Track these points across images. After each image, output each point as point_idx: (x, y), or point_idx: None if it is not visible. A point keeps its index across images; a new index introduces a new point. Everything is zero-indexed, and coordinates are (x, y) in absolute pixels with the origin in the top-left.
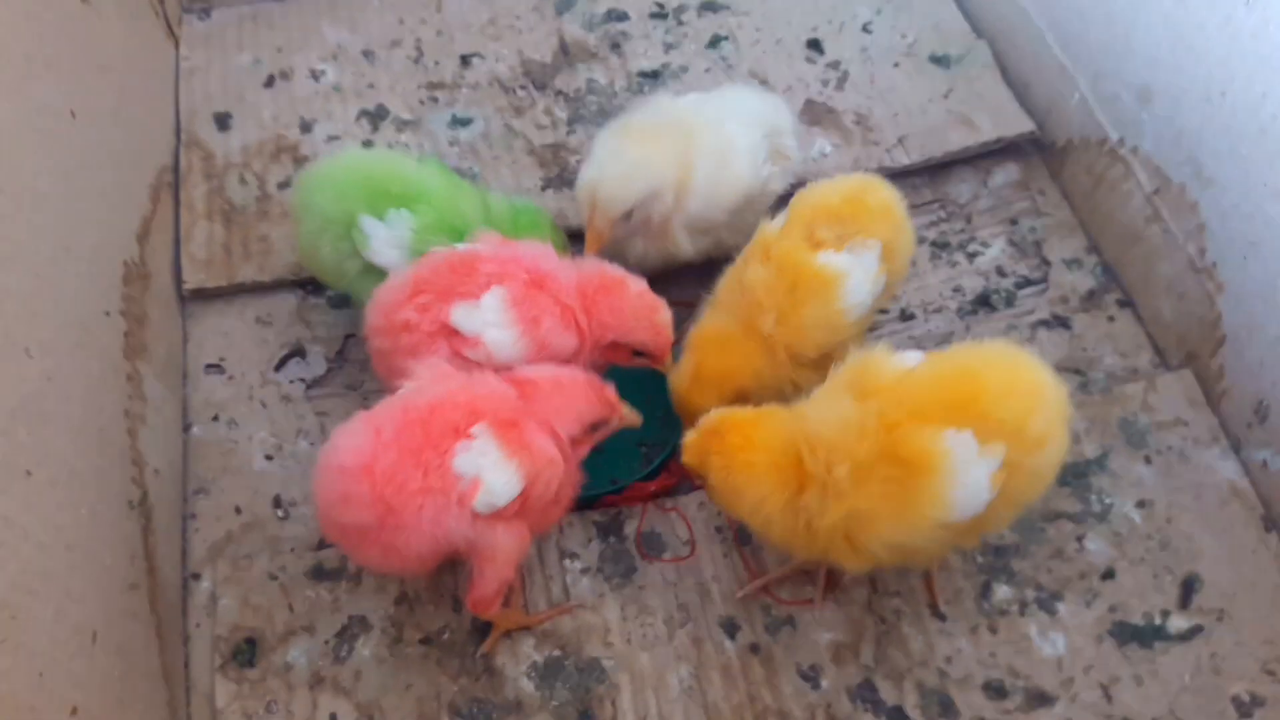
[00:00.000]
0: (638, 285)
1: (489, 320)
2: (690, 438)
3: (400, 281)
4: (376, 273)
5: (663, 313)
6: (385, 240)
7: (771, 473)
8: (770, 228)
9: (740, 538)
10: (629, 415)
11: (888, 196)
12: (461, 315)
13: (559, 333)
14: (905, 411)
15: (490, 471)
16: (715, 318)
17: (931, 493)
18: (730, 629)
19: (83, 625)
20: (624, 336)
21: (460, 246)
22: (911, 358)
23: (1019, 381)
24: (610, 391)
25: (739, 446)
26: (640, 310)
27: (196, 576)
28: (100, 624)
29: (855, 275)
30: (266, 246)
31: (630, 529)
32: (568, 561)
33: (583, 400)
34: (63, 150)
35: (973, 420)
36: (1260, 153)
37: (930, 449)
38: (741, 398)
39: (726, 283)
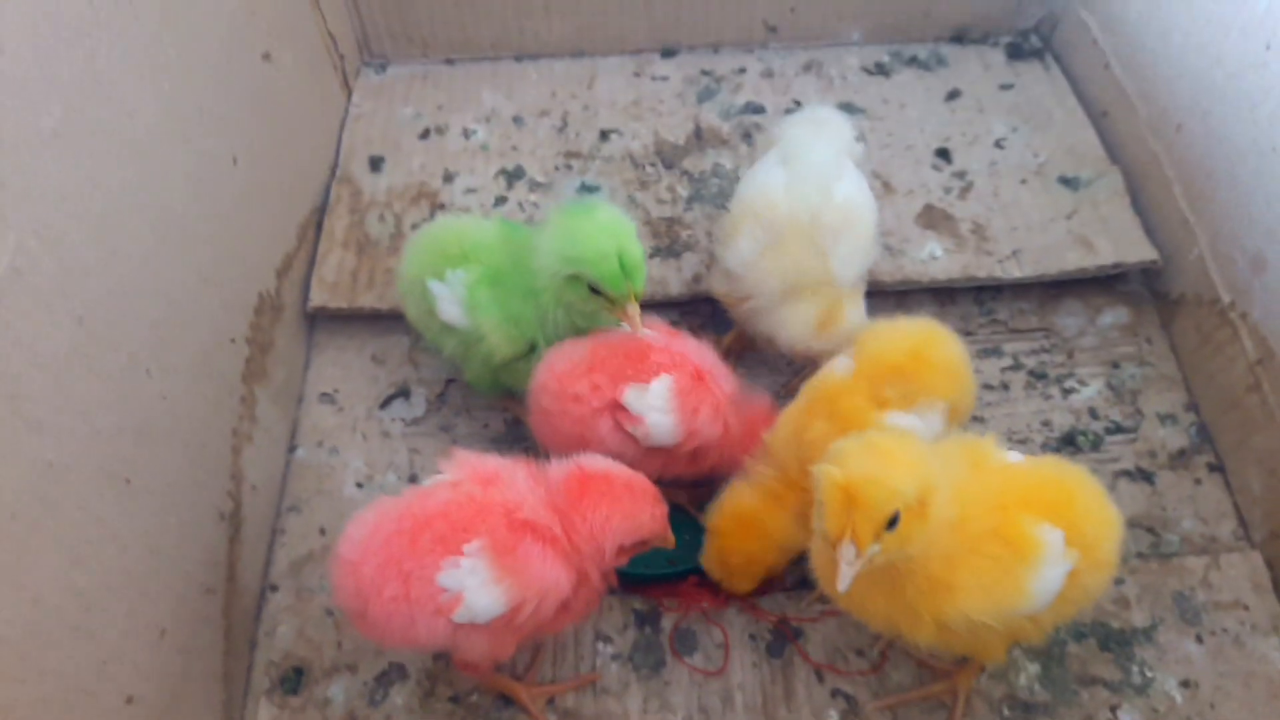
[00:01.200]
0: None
1: (654, 405)
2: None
3: (580, 355)
4: (450, 329)
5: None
6: (447, 299)
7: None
8: (835, 375)
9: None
10: (670, 538)
11: (953, 352)
12: (632, 396)
13: (710, 423)
14: (1016, 496)
15: (475, 592)
16: (743, 491)
17: (1021, 578)
18: None
19: (153, 622)
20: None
21: (633, 331)
22: (1015, 456)
23: (1102, 506)
24: (664, 512)
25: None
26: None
27: (275, 588)
28: (170, 623)
29: (922, 436)
30: (390, 279)
31: (667, 622)
32: (601, 644)
33: (647, 516)
34: (220, 194)
35: (1063, 523)
36: None
37: (1034, 536)
38: (773, 567)
39: (781, 433)
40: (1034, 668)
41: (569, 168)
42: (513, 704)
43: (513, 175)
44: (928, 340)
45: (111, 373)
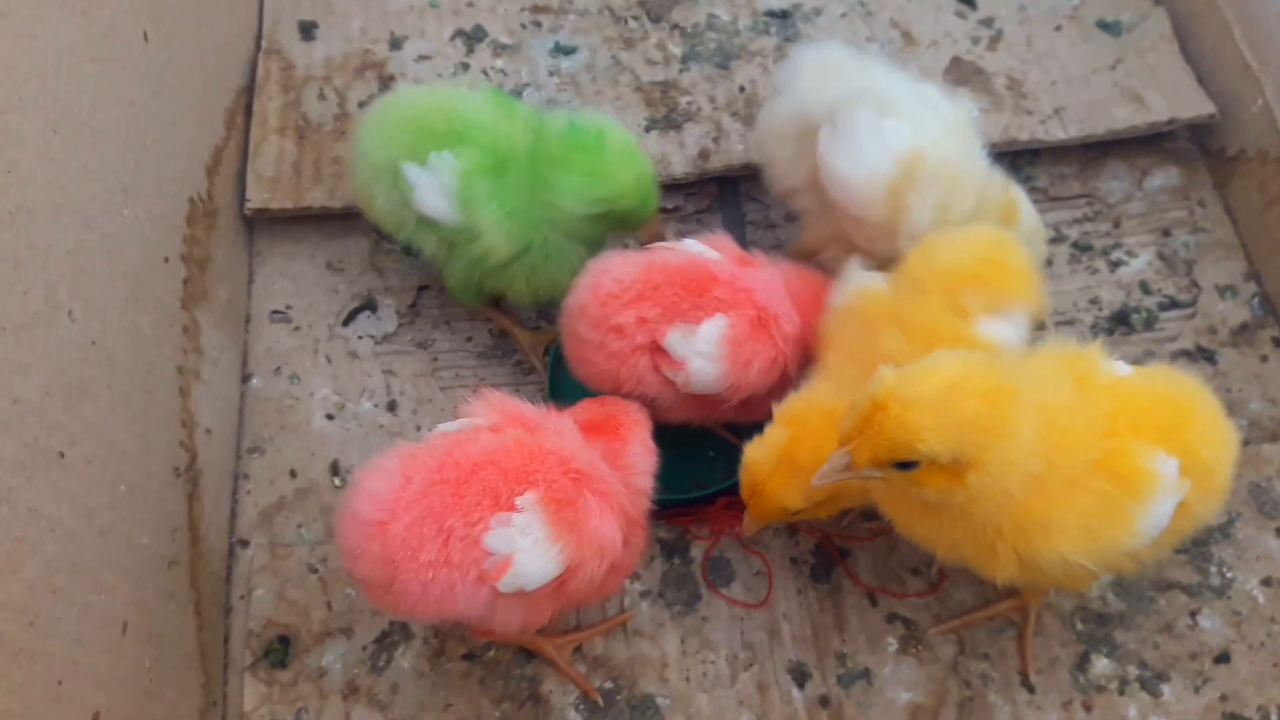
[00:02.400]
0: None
1: (700, 350)
2: (929, 418)
3: (631, 276)
4: (431, 224)
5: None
6: (430, 188)
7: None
8: (875, 291)
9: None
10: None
11: (1025, 256)
12: (676, 340)
13: (763, 376)
14: (1127, 421)
15: (527, 553)
16: (826, 388)
17: (1130, 515)
18: (800, 676)
19: (111, 618)
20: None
21: (704, 253)
22: (1124, 368)
23: (1220, 426)
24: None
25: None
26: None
27: (244, 543)
28: (132, 613)
29: (1015, 345)
30: (339, 170)
31: (697, 551)
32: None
33: (647, 435)
34: (130, 78)
35: (1179, 449)
36: None
37: (1147, 469)
38: (829, 502)
39: (840, 351)
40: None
41: (537, 25)
42: (536, 658)
43: (472, 37)
44: (1000, 245)
45: (24, 322)
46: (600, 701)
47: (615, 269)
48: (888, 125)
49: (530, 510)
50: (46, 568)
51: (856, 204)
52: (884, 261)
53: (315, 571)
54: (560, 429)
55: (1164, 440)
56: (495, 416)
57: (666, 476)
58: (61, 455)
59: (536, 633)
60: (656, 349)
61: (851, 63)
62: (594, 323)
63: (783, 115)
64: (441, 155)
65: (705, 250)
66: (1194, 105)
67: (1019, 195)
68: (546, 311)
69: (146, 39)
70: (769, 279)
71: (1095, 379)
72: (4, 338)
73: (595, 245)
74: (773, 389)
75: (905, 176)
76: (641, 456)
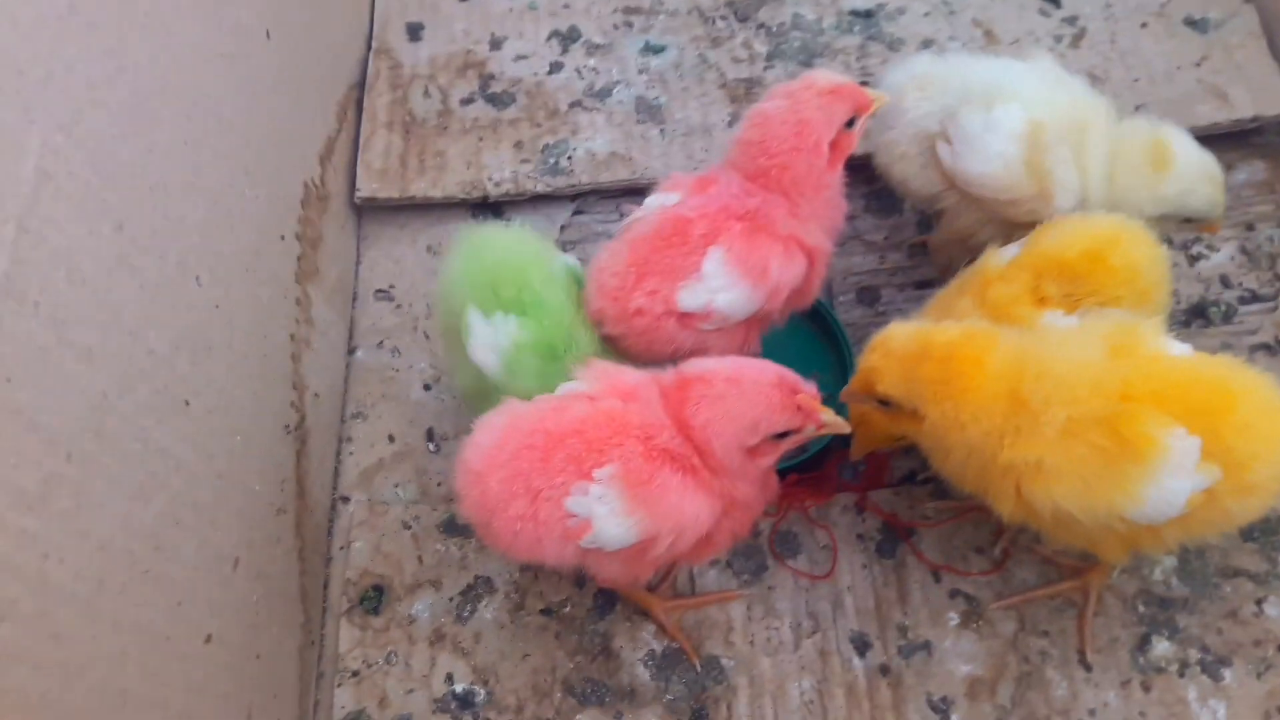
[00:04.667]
0: (775, 96)
1: (715, 287)
2: (873, 362)
3: (621, 262)
4: (474, 366)
5: (818, 78)
6: (485, 343)
7: (997, 403)
8: (995, 260)
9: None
10: (830, 421)
11: (1140, 255)
12: (688, 296)
13: (788, 269)
14: (1149, 390)
15: (604, 520)
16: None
17: (1130, 479)
18: (861, 646)
19: (225, 553)
20: (829, 129)
21: (665, 202)
22: (1180, 348)
23: (1267, 422)
24: (808, 394)
25: (967, 376)
26: (804, 103)
27: (345, 500)
28: (243, 550)
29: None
30: (442, 162)
31: (766, 525)
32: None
33: (764, 407)
34: (254, 73)
35: (1206, 432)
36: None
37: (1154, 437)
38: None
39: (933, 309)
40: (1170, 561)
41: (629, 26)
42: (610, 613)
43: (567, 38)
44: (1112, 240)
45: (159, 284)
46: (699, 665)
47: (607, 264)
48: (996, 114)
49: (606, 482)
50: (171, 501)
51: (1003, 191)
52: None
53: (409, 528)
54: (652, 398)
55: (1189, 419)
56: (596, 385)
57: None
58: (187, 404)
59: (652, 593)
60: (680, 314)
61: (940, 69)
62: (615, 319)
63: (899, 141)
64: (506, 317)
65: (665, 199)
66: (1278, 101)
67: (1173, 137)
68: None
69: (269, 37)
70: (730, 183)
71: (1135, 349)
72: (142, 295)
73: None
74: (820, 266)
75: (1033, 147)
76: (714, 430)
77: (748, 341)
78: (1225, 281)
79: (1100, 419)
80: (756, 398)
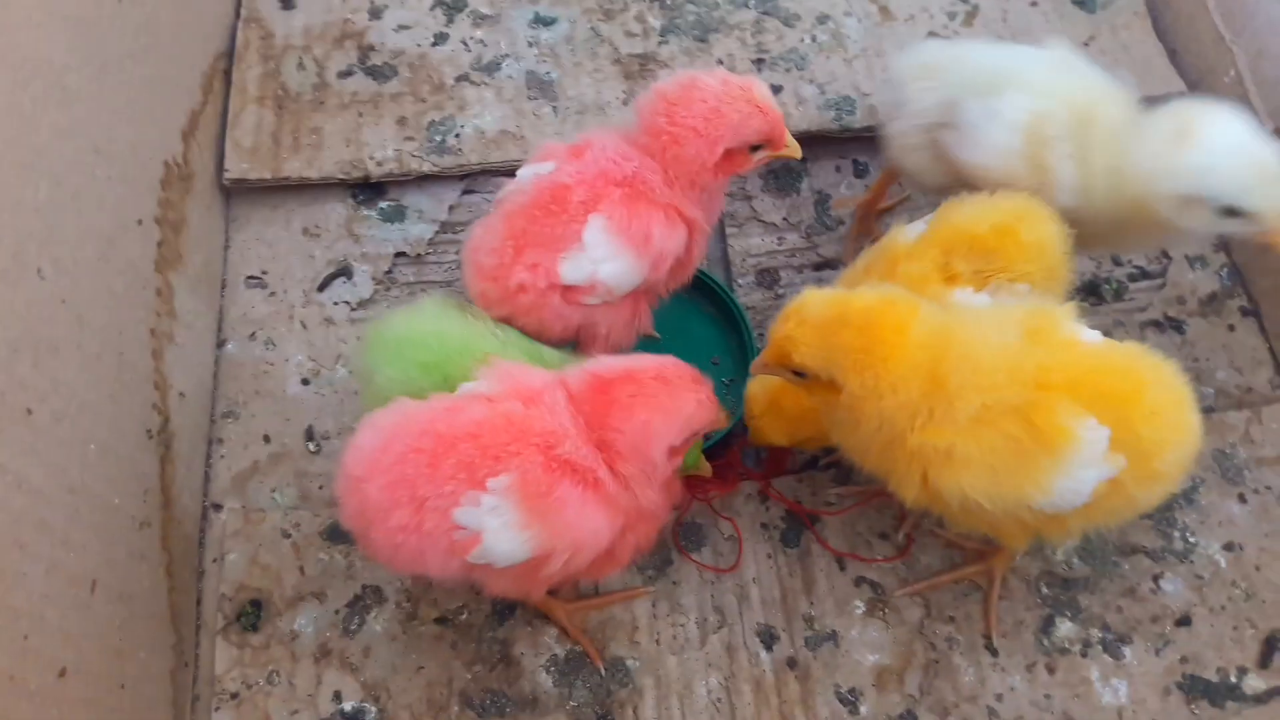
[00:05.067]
0: (714, 76)
1: (598, 257)
2: (786, 330)
3: (497, 237)
4: None
5: (758, 89)
6: None
7: (914, 381)
8: (902, 237)
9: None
10: (722, 417)
11: (1047, 231)
12: (570, 268)
13: (670, 237)
14: (1064, 379)
15: (495, 535)
16: None
17: (1040, 470)
18: (768, 639)
19: (80, 576)
20: (734, 138)
21: (540, 171)
22: (1091, 335)
23: (1173, 410)
24: (709, 389)
25: (887, 345)
26: (731, 99)
27: (218, 508)
28: (102, 571)
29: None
30: (318, 140)
31: (670, 517)
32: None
33: (694, 404)
34: (102, 39)
35: (1115, 421)
36: None
37: (1067, 427)
38: (814, 438)
39: (842, 284)
40: (1071, 541)
41: None
42: (510, 618)
43: (452, 7)
44: (1020, 216)
45: None
46: (604, 668)
47: (483, 242)
48: (1000, 103)
49: (500, 493)
50: (13, 523)
51: (1000, 182)
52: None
53: (288, 536)
54: (556, 402)
55: (1099, 408)
56: (497, 386)
57: None
58: (29, 412)
59: (553, 596)
60: (565, 287)
61: (946, 55)
62: (499, 299)
63: (907, 132)
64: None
65: (539, 168)
66: (1163, 82)
67: (1208, 113)
68: None
69: (119, 0)
70: (605, 147)
71: (1050, 335)
72: None
73: None
74: (698, 236)
75: (1034, 141)
76: (653, 430)
77: (636, 316)
78: (1116, 259)
79: (1014, 408)
80: (686, 395)
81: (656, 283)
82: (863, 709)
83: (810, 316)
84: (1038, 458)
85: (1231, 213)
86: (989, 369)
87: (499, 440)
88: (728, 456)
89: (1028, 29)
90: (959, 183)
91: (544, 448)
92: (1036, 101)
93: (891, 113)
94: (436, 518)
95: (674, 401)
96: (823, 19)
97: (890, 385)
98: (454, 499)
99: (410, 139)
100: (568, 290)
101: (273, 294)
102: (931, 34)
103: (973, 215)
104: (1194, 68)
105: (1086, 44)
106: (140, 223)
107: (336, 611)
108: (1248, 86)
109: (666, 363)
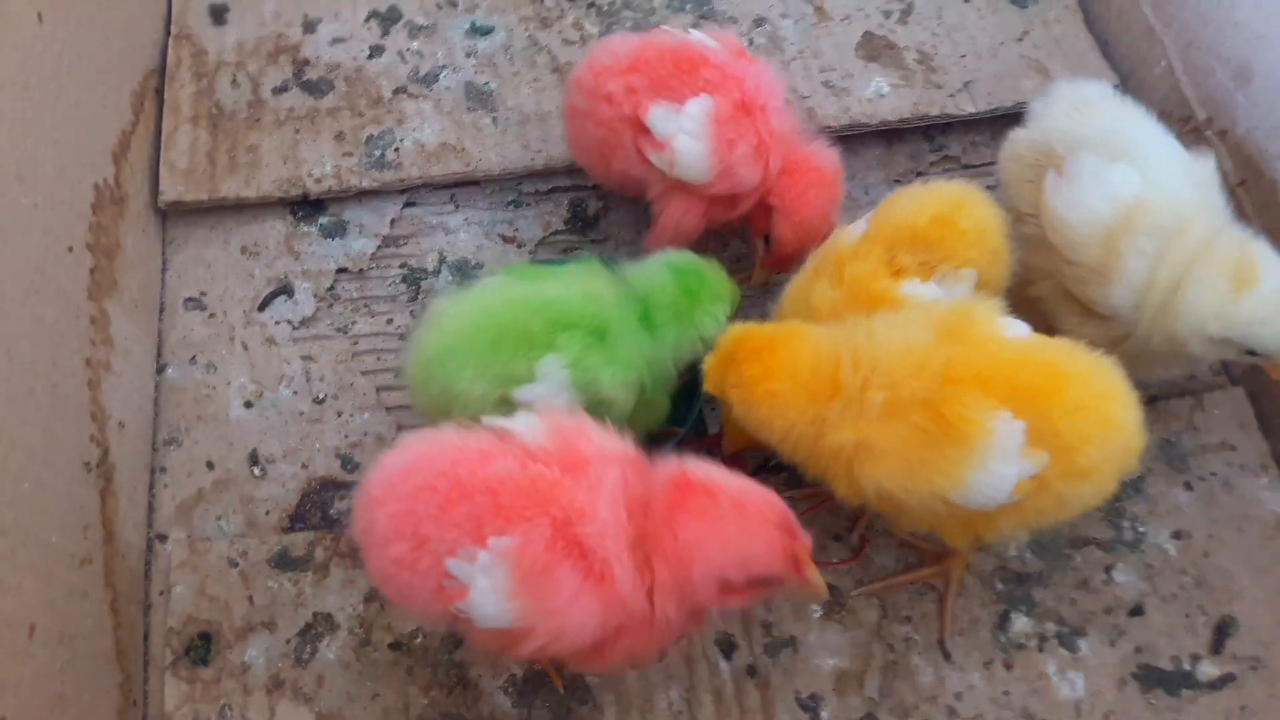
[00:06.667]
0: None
1: (686, 128)
2: (709, 364)
3: (625, 50)
4: None
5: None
6: (548, 392)
7: (798, 396)
8: (845, 238)
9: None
10: (815, 582)
11: (985, 216)
12: (659, 117)
13: (748, 164)
14: (974, 373)
15: (482, 594)
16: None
17: (951, 463)
18: (727, 647)
19: (17, 620)
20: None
21: (697, 37)
22: (1017, 328)
23: (1098, 405)
24: (803, 544)
25: (758, 378)
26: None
27: (162, 539)
28: (40, 614)
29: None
30: (255, 158)
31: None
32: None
33: (762, 544)
34: (23, 61)
35: (1032, 417)
36: None
37: (976, 420)
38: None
39: (791, 295)
40: (1013, 541)
41: (453, 5)
42: (465, 643)
43: (387, 18)
44: (957, 204)
45: None
46: (563, 687)
47: (613, 45)
48: (1115, 171)
49: (497, 555)
50: None
51: (1069, 244)
52: (1091, 309)
53: (235, 565)
54: (602, 479)
55: (1014, 402)
56: (544, 441)
57: None
58: None
59: None
60: (641, 129)
61: (1106, 104)
62: (587, 92)
63: (1025, 141)
64: (546, 362)
65: (704, 38)
66: (1096, 75)
67: (1261, 255)
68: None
69: (41, 20)
70: (761, 72)
71: (967, 331)
72: None
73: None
74: (757, 190)
75: (1124, 224)
76: (703, 552)
77: (679, 222)
78: None
79: (922, 401)
80: (757, 532)
81: (715, 192)
82: (824, 714)
83: (718, 351)
84: (946, 449)
85: (1252, 353)
86: (890, 366)
87: (516, 501)
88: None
89: (962, 24)
90: (1033, 216)
91: (560, 522)
92: (1147, 188)
93: (1026, 120)
94: (431, 560)
95: (740, 533)
96: (759, 21)
97: (779, 414)
98: (452, 547)
99: (349, 154)
100: (642, 132)
101: (212, 315)
102: (868, 33)
103: (911, 208)
104: (1125, 60)
105: (1020, 39)
106: (71, 250)
107: (288, 641)
108: (1179, 77)
109: (759, 493)
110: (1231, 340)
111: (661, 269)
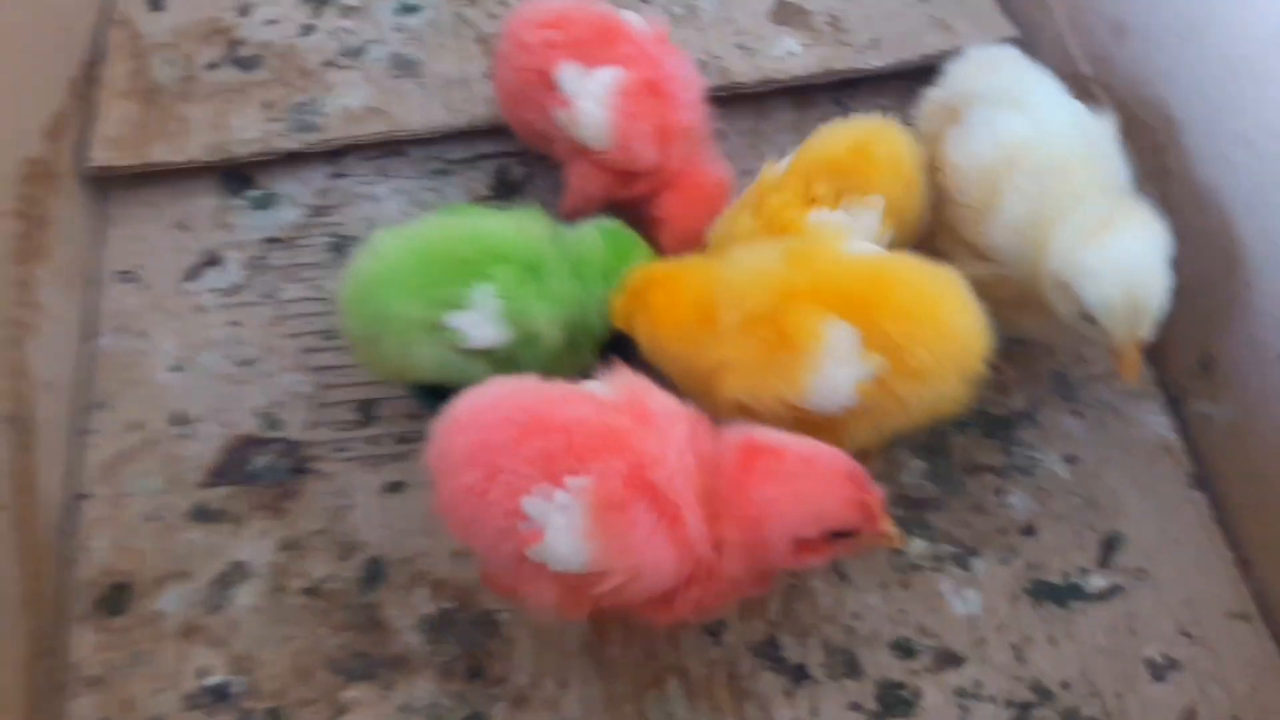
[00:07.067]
0: None
1: (592, 91)
2: (617, 300)
3: (551, 5)
4: (482, 354)
5: None
6: (479, 323)
7: (694, 324)
8: (772, 172)
9: None
10: (892, 534)
11: (898, 148)
12: (567, 76)
13: (646, 141)
14: (808, 286)
15: (557, 534)
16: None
17: (791, 369)
18: None
19: None
20: None
21: (627, 16)
22: (863, 248)
23: (927, 309)
24: (876, 494)
25: (664, 306)
26: None
27: (85, 496)
28: None
29: (849, 238)
30: (184, 127)
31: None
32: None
33: (834, 499)
34: None
35: (863, 322)
36: (1229, 95)
37: (806, 327)
38: None
39: (718, 230)
40: (919, 463)
41: None
42: (380, 583)
43: (319, 2)
44: (873, 135)
45: None
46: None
47: (545, 2)
48: (1003, 116)
49: (575, 493)
50: None
51: (958, 188)
52: (979, 252)
53: (155, 520)
54: (670, 431)
55: (845, 311)
56: (614, 394)
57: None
58: None
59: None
60: (552, 86)
61: (1009, 63)
62: (508, 36)
63: (935, 100)
64: (481, 288)
65: (632, 16)
66: (998, 28)
67: (1130, 218)
68: None
69: None
70: (680, 62)
71: (812, 253)
72: None
73: None
74: (652, 176)
75: (1006, 163)
76: (775, 510)
77: (585, 189)
78: None
79: (765, 316)
80: (829, 486)
81: (616, 160)
82: (726, 639)
83: (626, 286)
84: (785, 357)
85: (1090, 319)
86: (742, 288)
87: (591, 442)
88: None
89: None
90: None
91: (633, 464)
92: (1033, 134)
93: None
94: (502, 493)
95: (812, 489)
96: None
97: (682, 337)
98: (527, 484)
99: (276, 120)
100: (550, 85)
101: (145, 287)
102: (782, 2)
103: (831, 139)
104: (1020, 24)
105: (924, 1)
106: None
107: (200, 589)
108: (1066, 38)
109: (824, 450)
110: (1069, 289)
111: (593, 231)
